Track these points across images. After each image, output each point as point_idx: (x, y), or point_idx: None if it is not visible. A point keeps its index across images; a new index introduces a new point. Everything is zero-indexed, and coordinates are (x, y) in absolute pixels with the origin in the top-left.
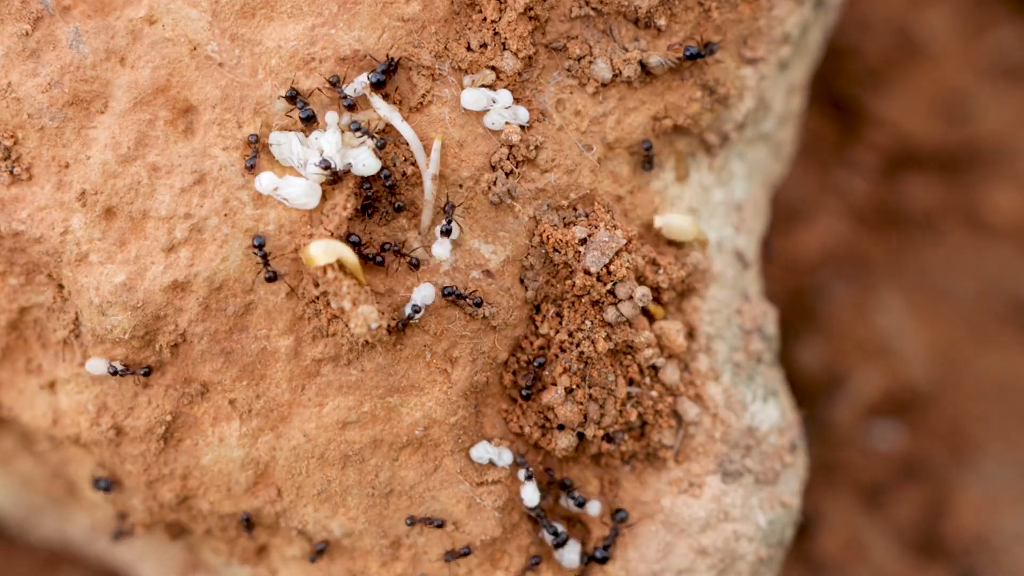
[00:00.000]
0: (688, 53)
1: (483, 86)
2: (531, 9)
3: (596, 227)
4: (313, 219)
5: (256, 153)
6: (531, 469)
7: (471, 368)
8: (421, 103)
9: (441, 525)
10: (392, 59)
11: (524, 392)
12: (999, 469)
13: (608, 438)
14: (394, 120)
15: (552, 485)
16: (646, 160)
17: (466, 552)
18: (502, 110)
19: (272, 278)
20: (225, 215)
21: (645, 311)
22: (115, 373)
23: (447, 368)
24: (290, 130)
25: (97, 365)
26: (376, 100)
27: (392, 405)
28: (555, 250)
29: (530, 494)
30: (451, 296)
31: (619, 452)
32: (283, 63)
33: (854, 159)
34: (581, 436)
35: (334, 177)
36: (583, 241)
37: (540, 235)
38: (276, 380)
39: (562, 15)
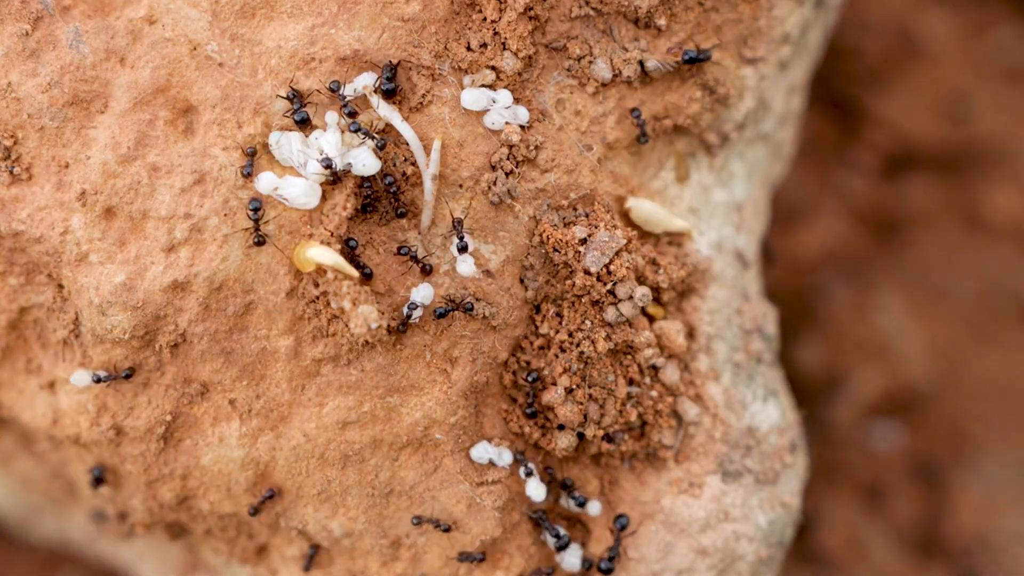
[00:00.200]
0: (687, 57)
1: (483, 86)
2: (531, 9)
3: (596, 227)
4: (313, 219)
5: (252, 163)
6: (530, 465)
7: (471, 368)
8: (421, 103)
9: (448, 529)
10: (392, 63)
11: (528, 411)
12: (999, 469)
13: (608, 438)
14: (394, 120)
15: (552, 485)
16: (641, 134)
17: (480, 558)
18: (502, 110)
19: (260, 243)
20: (225, 215)
21: (645, 311)
22: (98, 381)
23: (447, 368)
24: (290, 130)
25: (81, 377)
26: (376, 100)
27: (392, 405)
28: (555, 250)
29: (535, 489)
30: (443, 316)
31: (619, 452)
32: (283, 63)
33: (854, 159)
34: (581, 436)
35: (334, 177)
36: (583, 241)
37: (540, 235)
38: (276, 380)
39: (562, 15)
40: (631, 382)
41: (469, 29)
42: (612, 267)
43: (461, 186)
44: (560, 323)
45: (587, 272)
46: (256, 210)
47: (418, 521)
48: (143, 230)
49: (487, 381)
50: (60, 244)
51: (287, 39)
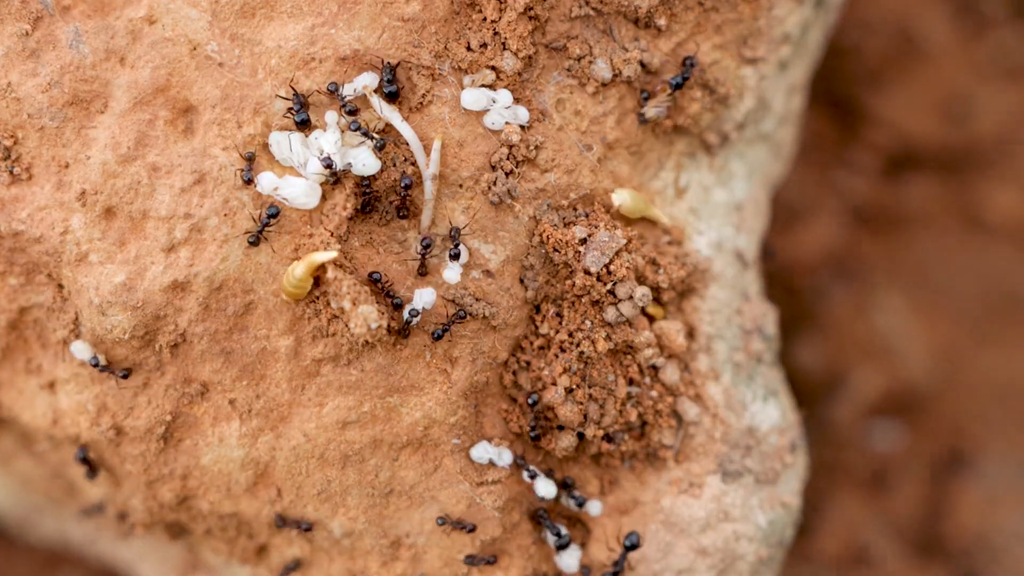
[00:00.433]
0: (673, 84)
1: (483, 86)
2: (531, 9)
3: (596, 227)
4: (313, 219)
5: (251, 167)
6: (533, 467)
7: (471, 368)
8: (421, 103)
9: (472, 530)
10: (391, 65)
11: (532, 435)
12: (999, 469)
13: (608, 438)
14: (394, 120)
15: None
16: (640, 117)
17: (491, 561)
18: (502, 110)
19: (254, 242)
20: (225, 215)
21: (645, 311)
22: (96, 365)
23: (447, 368)
24: (290, 130)
25: (82, 350)
26: (376, 100)
27: (392, 405)
28: (555, 250)
29: (544, 487)
30: (439, 338)
31: (619, 452)
32: (283, 63)
33: (854, 159)
34: (581, 436)
35: (334, 177)
36: (583, 241)
37: (540, 235)
38: (276, 380)
39: (562, 15)
40: (631, 382)
41: (469, 29)
42: (612, 267)
43: (461, 186)
44: (560, 323)
45: (587, 272)
46: (272, 216)
47: (443, 521)
48: (143, 230)
49: (487, 381)
50: (60, 244)
51: (287, 39)
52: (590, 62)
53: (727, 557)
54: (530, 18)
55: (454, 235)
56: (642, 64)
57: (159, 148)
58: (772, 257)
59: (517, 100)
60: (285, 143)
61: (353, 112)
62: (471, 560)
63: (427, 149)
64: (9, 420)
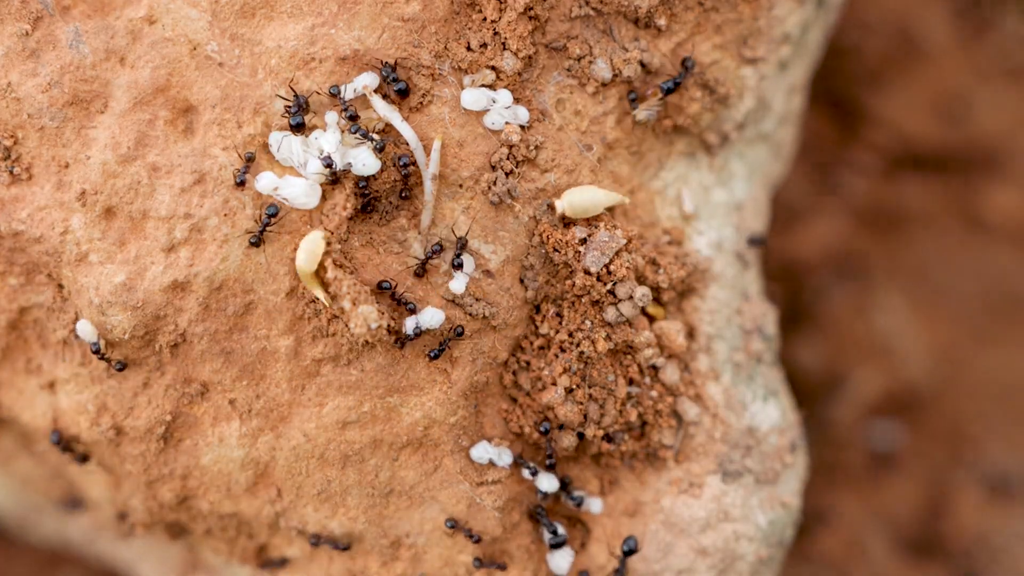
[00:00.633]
0: (664, 88)
1: (483, 86)
2: (531, 9)
3: (596, 227)
4: (313, 219)
5: (247, 170)
6: (533, 464)
7: (471, 368)
8: (421, 103)
9: (479, 540)
10: (391, 64)
11: (548, 463)
12: (999, 469)
13: (608, 438)
14: (394, 120)
15: None
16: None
17: (501, 567)
18: (502, 110)
19: (256, 243)
20: (225, 215)
21: (645, 311)
22: (96, 351)
23: (447, 368)
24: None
25: (87, 331)
26: (376, 100)
27: (392, 405)
28: (555, 250)
29: (547, 482)
30: (437, 357)
31: (619, 452)
32: (283, 63)
33: (854, 159)
34: (581, 436)
35: (334, 177)
36: (583, 241)
37: (540, 235)
38: (276, 380)
39: (562, 15)
40: (631, 382)
41: (469, 29)
42: (612, 267)
43: (461, 186)
44: (560, 323)
45: (587, 272)
46: (272, 215)
47: (453, 525)
48: (143, 230)
49: (487, 381)
50: (60, 244)
51: (287, 39)
52: (590, 62)
53: (727, 557)
54: (530, 18)
55: (459, 245)
56: (642, 64)
57: (159, 148)
58: (762, 245)
59: (517, 100)
60: (285, 143)
61: (354, 117)
62: (479, 563)
63: (427, 149)
64: (9, 420)
